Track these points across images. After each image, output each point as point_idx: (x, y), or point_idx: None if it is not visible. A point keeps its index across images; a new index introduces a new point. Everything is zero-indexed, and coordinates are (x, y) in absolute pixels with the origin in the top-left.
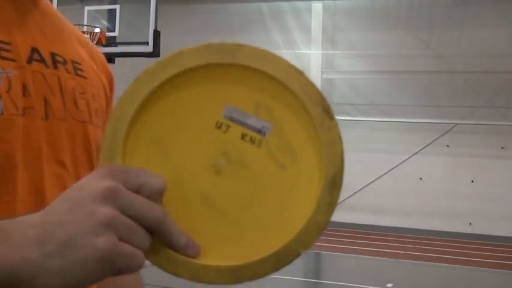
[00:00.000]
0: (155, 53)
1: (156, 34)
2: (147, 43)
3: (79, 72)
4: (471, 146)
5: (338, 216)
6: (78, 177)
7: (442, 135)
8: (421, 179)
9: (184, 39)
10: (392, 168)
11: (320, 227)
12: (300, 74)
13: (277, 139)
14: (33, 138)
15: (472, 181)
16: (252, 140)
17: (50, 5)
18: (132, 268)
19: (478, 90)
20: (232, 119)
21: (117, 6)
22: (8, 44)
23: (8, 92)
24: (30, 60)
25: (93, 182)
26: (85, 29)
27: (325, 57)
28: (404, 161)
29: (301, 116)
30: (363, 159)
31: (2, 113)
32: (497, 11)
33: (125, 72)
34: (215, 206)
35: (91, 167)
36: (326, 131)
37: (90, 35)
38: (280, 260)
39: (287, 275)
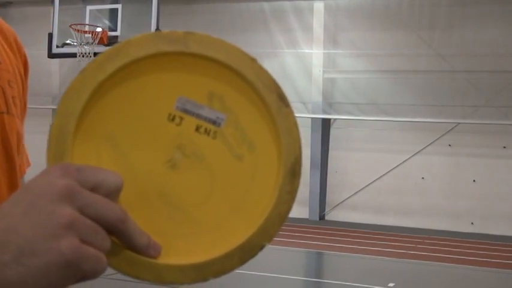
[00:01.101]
0: None
1: None
2: None
3: None
4: (473, 145)
5: (340, 215)
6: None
7: (444, 134)
8: (423, 178)
9: None
10: (394, 168)
11: (282, 217)
12: (253, 62)
13: (233, 129)
14: None
15: (474, 180)
16: (207, 132)
17: None
18: (98, 272)
19: (480, 90)
20: (185, 111)
21: (119, 6)
22: None
23: None
24: None
25: (47, 182)
26: (87, 28)
27: (327, 57)
28: (406, 160)
29: (256, 104)
30: (364, 159)
31: None
32: (498, 11)
33: None
34: (173, 203)
35: (8, 160)
36: (283, 118)
37: (92, 35)
38: (245, 253)
39: (289, 274)
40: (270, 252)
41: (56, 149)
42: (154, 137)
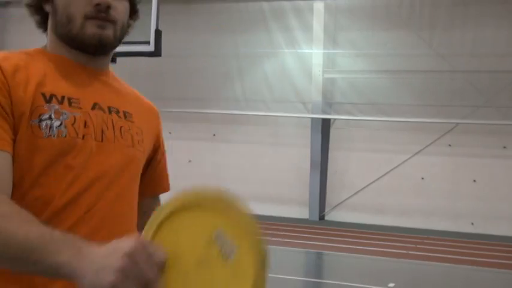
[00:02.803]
0: (157, 52)
1: (158, 33)
2: (148, 42)
3: (128, 118)
4: (473, 145)
5: (340, 215)
6: (131, 182)
7: (443, 134)
8: (422, 178)
9: (186, 38)
10: (394, 168)
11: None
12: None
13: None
14: (97, 153)
15: (474, 181)
16: (222, 256)
17: (112, 77)
18: None
19: (480, 90)
20: (216, 240)
21: None
22: (77, 99)
23: (72, 124)
24: (92, 109)
25: (124, 245)
26: None
27: (327, 57)
28: (405, 160)
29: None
30: (364, 159)
31: (65, 136)
32: (498, 11)
33: (125, 72)
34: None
35: (129, 181)
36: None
37: None
38: None
39: (289, 274)
40: (270, 252)
41: (147, 229)
42: (195, 246)
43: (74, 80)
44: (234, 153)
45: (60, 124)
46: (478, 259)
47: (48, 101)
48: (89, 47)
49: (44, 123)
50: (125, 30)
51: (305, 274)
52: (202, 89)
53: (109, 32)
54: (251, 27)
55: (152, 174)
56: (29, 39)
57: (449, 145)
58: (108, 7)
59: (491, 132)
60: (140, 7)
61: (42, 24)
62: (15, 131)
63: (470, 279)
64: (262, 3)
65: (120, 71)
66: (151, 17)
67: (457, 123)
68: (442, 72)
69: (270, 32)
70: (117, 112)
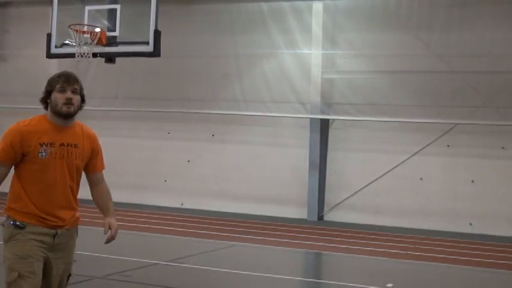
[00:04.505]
0: (156, 52)
1: (157, 34)
2: (147, 43)
3: (75, 147)
4: (471, 146)
5: (338, 216)
6: (71, 175)
7: (442, 135)
8: (421, 179)
9: (185, 38)
10: (393, 168)
11: None
12: None
13: None
14: (58, 166)
15: (472, 181)
16: None
17: (75, 126)
18: None
19: (478, 91)
20: None
21: (117, 6)
22: (54, 142)
23: (49, 153)
24: (60, 146)
25: None
26: (85, 28)
27: (326, 57)
28: (404, 161)
29: None
30: (363, 159)
31: (46, 157)
32: (496, 12)
33: (125, 72)
34: None
35: (70, 175)
36: None
37: (91, 35)
38: None
39: (288, 275)
40: (269, 252)
41: None
42: None
43: (54, 133)
44: (232, 154)
45: (45, 153)
46: (476, 259)
47: (41, 145)
48: (63, 116)
49: (39, 154)
50: (79, 108)
51: (303, 274)
52: (201, 89)
53: (72, 109)
54: (250, 27)
55: (93, 163)
56: (28, 39)
57: (448, 145)
58: (71, 99)
59: (489, 132)
60: (139, 7)
61: (46, 107)
62: (21, 157)
63: (468, 279)
64: (261, 4)
65: (120, 71)
66: (150, 17)
67: (456, 124)
68: (440, 72)
69: (269, 32)
70: (70, 145)
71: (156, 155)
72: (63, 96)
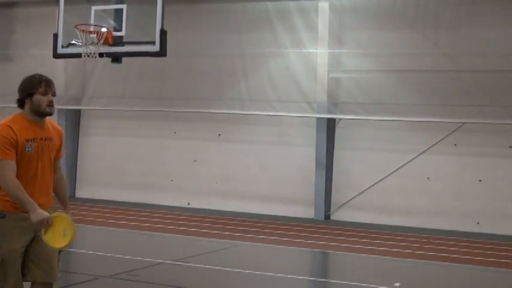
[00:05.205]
0: (162, 52)
1: (163, 33)
2: (153, 42)
3: (50, 140)
4: (479, 145)
5: (345, 215)
6: (49, 165)
7: (449, 134)
8: (428, 178)
9: (191, 38)
10: (400, 168)
11: None
12: None
13: None
14: (39, 158)
15: (480, 180)
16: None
17: (47, 123)
18: None
19: (485, 89)
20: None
21: (124, 6)
22: (35, 138)
23: (34, 148)
24: (40, 140)
25: (45, 214)
26: (92, 28)
27: (332, 56)
28: (411, 160)
29: None
30: (370, 158)
31: (31, 152)
32: (504, 10)
33: (131, 72)
34: None
35: (48, 165)
36: None
37: (97, 35)
38: None
39: (295, 274)
40: (276, 252)
41: None
42: None
43: (35, 129)
44: (239, 153)
45: (31, 148)
46: (484, 258)
47: (28, 141)
48: (45, 115)
49: (26, 149)
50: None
51: (310, 274)
52: (208, 88)
53: (53, 110)
54: (256, 27)
55: (56, 153)
56: (35, 39)
57: (455, 145)
58: (52, 101)
59: (497, 131)
60: (145, 7)
61: (22, 106)
62: (16, 153)
63: (476, 279)
64: (267, 3)
65: (126, 71)
66: (156, 17)
67: (463, 123)
68: (447, 71)
69: (275, 31)
70: (46, 139)
71: (163, 154)
72: (46, 98)
